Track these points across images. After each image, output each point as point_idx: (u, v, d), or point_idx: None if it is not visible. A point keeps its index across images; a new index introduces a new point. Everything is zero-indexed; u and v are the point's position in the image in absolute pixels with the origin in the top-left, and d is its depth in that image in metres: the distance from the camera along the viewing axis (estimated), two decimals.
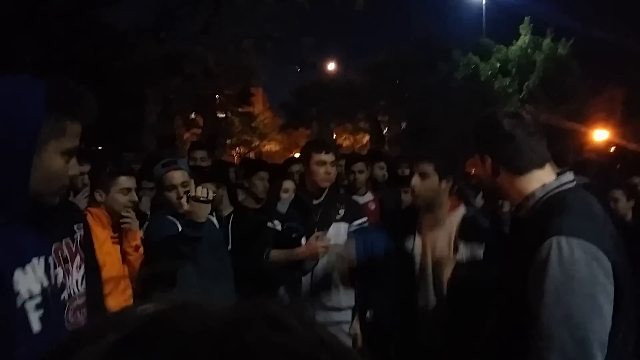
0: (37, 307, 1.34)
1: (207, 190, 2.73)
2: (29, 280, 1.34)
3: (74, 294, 2.08)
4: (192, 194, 2.73)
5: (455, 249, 2.72)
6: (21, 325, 1.30)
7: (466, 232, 2.74)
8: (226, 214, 3.96)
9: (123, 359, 0.38)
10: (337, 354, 0.41)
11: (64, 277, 2.04)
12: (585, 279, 1.51)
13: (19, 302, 1.31)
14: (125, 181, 2.97)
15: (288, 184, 4.13)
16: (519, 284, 1.64)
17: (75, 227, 2.18)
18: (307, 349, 0.40)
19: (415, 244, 2.88)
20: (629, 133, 21.35)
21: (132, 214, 3.02)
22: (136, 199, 3.08)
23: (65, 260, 2.07)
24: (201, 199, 2.69)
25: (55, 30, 9.42)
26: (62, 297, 2.02)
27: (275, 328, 0.40)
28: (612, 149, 22.64)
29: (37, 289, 1.36)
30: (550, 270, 1.53)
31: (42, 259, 1.42)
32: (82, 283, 2.13)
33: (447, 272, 2.75)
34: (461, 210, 2.85)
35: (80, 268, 2.13)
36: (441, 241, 2.80)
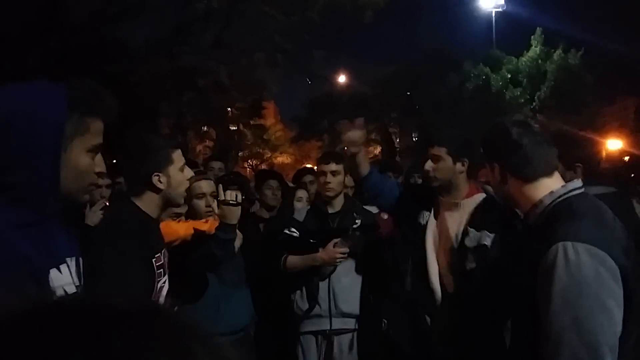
0: None
1: (236, 193, 2.78)
2: (65, 281, 1.38)
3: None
4: (222, 197, 2.78)
5: (465, 235, 2.67)
6: None
7: (479, 219, 2.68)
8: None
9: None
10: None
11: (166, 284, 2.14)
12: (592, 283, 1.52)
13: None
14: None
15: (301, 193, 4.20)
16: (527, 290, 1.65)
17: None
18: None
19: (429, 223, 2.83)
20: None
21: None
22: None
23: (167, 269, 2.16)
24: (230, 202, 2.75)
25: (70, 44, 9.55)
26: None
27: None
28: (627, 158, 22.51)
29: (72, 290, 1.40)
30: (557, 275, 1.54)
31: (73, 260, 1.46)
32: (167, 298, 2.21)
33: (449, 255, 2.72)
34: (479, 197, 2.77)
35: (166, 282, 2.20)
36: (452, 223, 2.75)
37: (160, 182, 2.18)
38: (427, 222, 2.84)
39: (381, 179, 3.10)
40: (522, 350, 1.76)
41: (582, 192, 1.76)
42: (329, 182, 3.37)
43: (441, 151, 2.73)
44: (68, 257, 1.43)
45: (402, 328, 3.43)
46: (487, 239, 2.62)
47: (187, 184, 2.30)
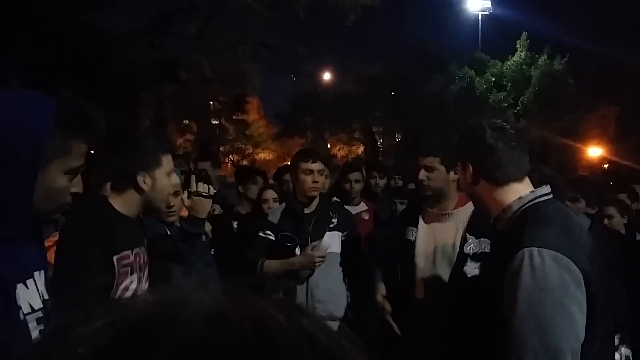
0: (38, 321, 1.36)
1: (208, 186, 2.65)
2: (31, 295, 1.36)
3: None
4: (193, 189, 2.64)
5: (464, 242, 2.70)
6: (23, 337, 1.31)
7: (477, 227, 2.70)
8: None
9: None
10: (324, 352, 0.40)
11: (137, 284, 2.08)
12: (556, 289, 1.54)
13: (21, 315, 1.32)
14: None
15: (268, 195, 4.12)
16: (495, 295, 1.66)
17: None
18: (288, 351, 0.39)
19: (419, 233, 2.88)
20: (622, 150, 21.46)
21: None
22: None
23: (141, 268, 2.13)
24: (202, 194, 2.61)
25: (50, 32, 9.35)
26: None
27: (256, 329, 0.39)
28: (606, 165, 22.79)
29: (38, 304, 1.37)
30: (522, 280, 1.55)
31: (42, 273, 1.43)
32: None
33: (449, 264, 2.74)
34: (471, 206, 2.77)
35: (147, 279, 2.17)
36: (446, 233, 2.79)
37: (145, 183, 2.15)
38: (415, 238, 2.88)
39: None
40: (489, 354, 1.75)
41: (550, 198, 1.78)
42: (317, 182, 3.25)
43: (435, 161, 2.79)
44: (36, 270, 1.40)
45: (377, 327, 3.36)
46: (488, 246, 2.65)
47: (171, 190, 2.28)
